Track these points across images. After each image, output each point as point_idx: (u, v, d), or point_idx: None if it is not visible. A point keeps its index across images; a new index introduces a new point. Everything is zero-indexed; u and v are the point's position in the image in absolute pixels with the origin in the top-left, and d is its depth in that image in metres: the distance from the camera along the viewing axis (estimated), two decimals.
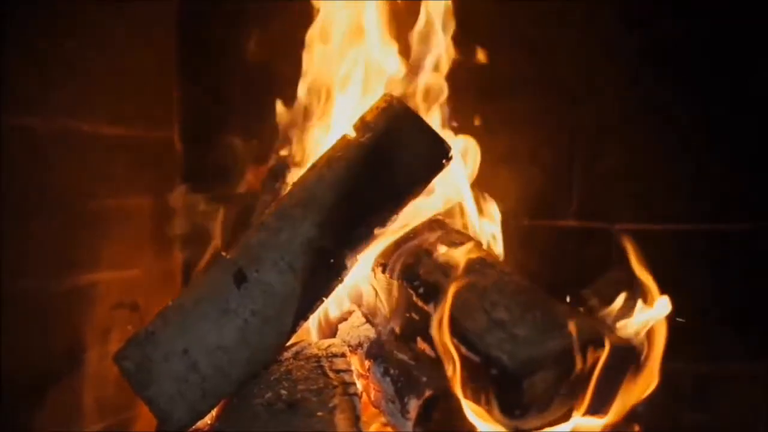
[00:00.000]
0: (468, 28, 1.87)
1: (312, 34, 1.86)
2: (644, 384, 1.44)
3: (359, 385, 1.51)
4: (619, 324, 1.49)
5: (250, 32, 2.01)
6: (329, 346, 1.56)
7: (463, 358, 1.35)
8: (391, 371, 1.52)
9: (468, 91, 1.86)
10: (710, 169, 1.92)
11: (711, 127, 1.92)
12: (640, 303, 1.51)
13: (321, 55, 1.85)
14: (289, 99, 1.85)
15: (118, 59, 1.82)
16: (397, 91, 1.72)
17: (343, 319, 1.73)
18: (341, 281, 1.54)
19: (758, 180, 1.90)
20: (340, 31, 1.83)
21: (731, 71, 1.90)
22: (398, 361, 1.53)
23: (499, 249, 1.77)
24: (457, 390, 1.39)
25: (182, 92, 2.11)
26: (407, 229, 1.63)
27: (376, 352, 1.59)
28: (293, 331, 1.50)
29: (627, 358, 1.40)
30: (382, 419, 1.57)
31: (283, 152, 1.86)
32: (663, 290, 1.52)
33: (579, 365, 1.33)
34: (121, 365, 1.46)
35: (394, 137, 1.54)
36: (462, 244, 1.58)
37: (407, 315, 1.56)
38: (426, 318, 1.48)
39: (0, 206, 1.50)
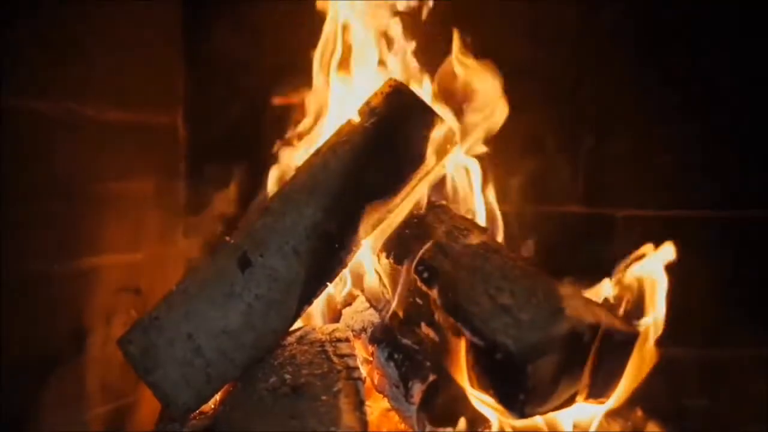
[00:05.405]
0: (470, 15, 1.86)
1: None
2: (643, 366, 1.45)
3: (363, 369, 1.52)
4: None
5: (256, 16, 2.00)
6: (333, 330, 1.57)
7: (467, 342, 1.35)
8: (395, 356, 1.52)
9: None
10: (720, 154, 1.92)
11: (720, 110, 1.92)
12: None
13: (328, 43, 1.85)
14: (296, 83, 1.85)
15: (123, 43, 1.81)
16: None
17: (347, 303, 1.74)
18: (345, 266, 1.54)
19: (767, 167, 1.90)
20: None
21: (740, 52, 1.90)
22: (402, 345, 1.53)
23: (502, 234, 1.77)
24: (461, 374, 1.40)
25: (187, 76, 2.10)
26: (411, 214, 1.63)
27: (379, 336, 1.59)
28: (297, 315, 1.51)
29: (630, 343, 1.40)
30: (386, 404, 1.57)
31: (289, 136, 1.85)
32: (670, 277, 1.52)
33: (583, 350, 1.33)
34: (125, 350, 1.46)
35: (398, 122, 1.54)
36: (466, 229, 1.58)
37: (411, 300, 1.56)
38: (429, 303, 1.48)
39: (4, 189, 1.49)
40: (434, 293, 1.44)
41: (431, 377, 1.45)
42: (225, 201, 1.98)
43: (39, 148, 1.59)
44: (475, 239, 1.55)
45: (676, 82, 1.96)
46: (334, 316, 1.73)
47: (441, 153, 1.57)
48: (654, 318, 1.51)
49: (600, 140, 2.00)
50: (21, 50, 1.52)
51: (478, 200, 1.75)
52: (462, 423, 1.45)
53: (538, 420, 1.42)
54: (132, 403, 1.86)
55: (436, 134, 1.55)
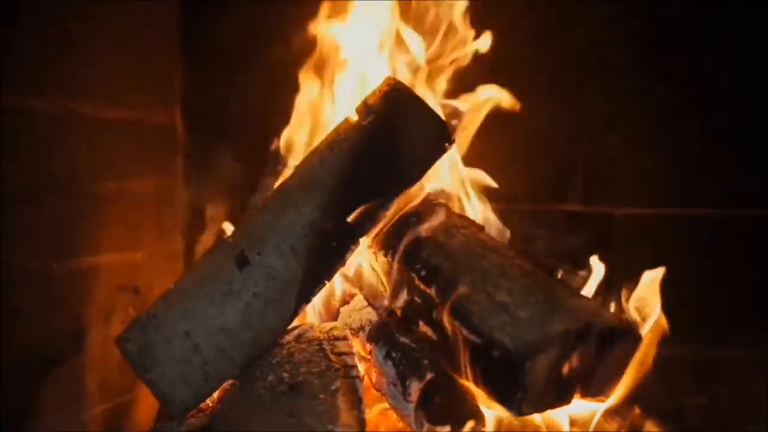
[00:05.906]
0: (470, 14, 1.86)
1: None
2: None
3: (361, 368, 1.52)
4: None
5: (253, 14, 2.01)
6: (331, 329, 1.57)
7: (465, 340, 1.35)
8: (393, 354, 1.52)
9: (471, 75, 1.85)
10: (720, 154, 1.92)
11: (720, 110, 1.92)
12: None
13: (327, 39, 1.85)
14: (293, 81, 1.85)
15: (120, 42, 1.81)
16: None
17: (345, 302, 1.74)
18: (343, 264, 1.54)
19: (766, 166, 1.90)
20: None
21: (740, 52, 1.90)
22: (400, 344, 1.53)
23: (500, 232, 1.77)
24: (459, 373, 1.39)
25: (185, 75, 2.11)
26: (408, 212, 1.63)
27: (377, 335, 1.59)
28: (295, 313, 1.50)
29: (630, 341, 1.40)
30: (384, 402, 1.57)
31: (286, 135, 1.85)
32: (668, 275, 1.52)
33: (581, 348, 1.33)
34: (123, 348, 1.46)
35: (396, 120, 1.54)
36: (464, 227, 1.58)
37: (409, 298, 1.55)
38: (428, 301, 1.48)
39: (2, 188, 1.49)
40: (432, 291, 1.44)
41: (429, 375, 1.44)
42: (223, 199, 1.98)
43: (37, 147, 1.59)
44: (473, 237, 1.54)
45: (676, 82, 1.96)
46: (332, 314, 1.73)
47: (439, 151, 1.57)
48: (653, 317, 1.51)
49: (599, 139, 2.00)
50: (19, 49, 1.52)
51: (474, 198, 1.75)
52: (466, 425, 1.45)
53: (536, 418, 1.42)
54: (130, 401, 1.86)
55: (435, 133, 1.55)
